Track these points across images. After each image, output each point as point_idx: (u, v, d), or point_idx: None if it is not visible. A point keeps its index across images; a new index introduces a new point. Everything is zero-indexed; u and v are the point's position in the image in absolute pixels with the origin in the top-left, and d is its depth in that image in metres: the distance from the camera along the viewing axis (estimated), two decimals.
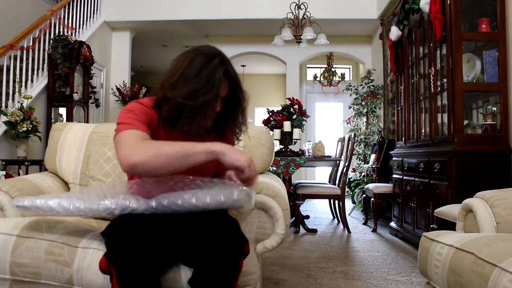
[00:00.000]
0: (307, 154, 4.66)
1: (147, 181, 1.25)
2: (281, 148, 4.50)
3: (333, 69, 7.49)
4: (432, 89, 3.17)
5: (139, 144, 1.15)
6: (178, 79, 1.25)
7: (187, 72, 1.25)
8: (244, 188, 1.17)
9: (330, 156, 4.85)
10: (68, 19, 5.46)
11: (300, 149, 4.89)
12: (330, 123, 8.28)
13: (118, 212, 1.21)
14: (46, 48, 4.88)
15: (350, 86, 6.66)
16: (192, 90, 1.23)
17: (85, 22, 5.86)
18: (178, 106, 1.24)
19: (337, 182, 4.62)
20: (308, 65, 8.24)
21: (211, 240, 1.14)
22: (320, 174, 8.01)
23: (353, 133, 4.59)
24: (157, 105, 1.29)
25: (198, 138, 1.27)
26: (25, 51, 4.66)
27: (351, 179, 5.82)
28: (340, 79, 7.51)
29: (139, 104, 1.28)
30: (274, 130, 4.53)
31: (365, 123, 6.47)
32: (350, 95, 6.67)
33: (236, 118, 1.40)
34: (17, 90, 4.32)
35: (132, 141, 1.16)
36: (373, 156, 5.36)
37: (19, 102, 4.20)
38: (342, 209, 4.27)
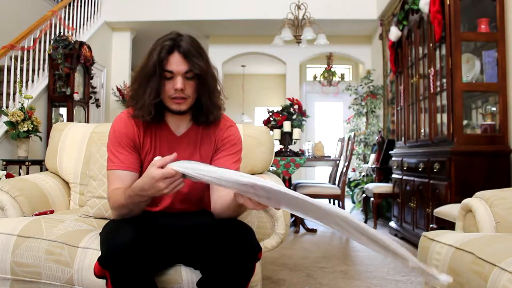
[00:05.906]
0: (307, 154, 4.66)
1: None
2: (281, 148, 4.50)
3: (333, 69, 7.48)
4: (431, 89, 3.18)
5: (112, 195, 1.28)
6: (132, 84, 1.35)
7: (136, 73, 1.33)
8: None
9: (329, 156, 4.85)
10: (68, 19, 5.45)
11: (300, 149, 4.89)
12: (330, 123, 8.28)
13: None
14: (47, 48, 4.88)
15: (350, 86, 6.66)
16: (134, 78, 1.33)
17: (85, 23, 5.85)
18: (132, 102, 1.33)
19: (337, 182, 4.62)
20: (308, 65, 8.24)
21: (226, 245, 1.13)
22: (320, 174, 8.01)
23: (353, 133, 4.59)
24: (134, 115, 1.33)
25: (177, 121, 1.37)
26: (25, 52, 4.66)
27: (351, 179, 5.82)
28: (340, 79, 7.51)
29: (114, 131, 1.35)
30: (274, 130, 4.53)
31: (365, 123, 6.47)
32: (350, 95, 6.67)
33: (206, 93, 1.31)
34: (17, 90, 4.31)
35: (110, 185, 1.31)
36: (372, 156, 5.36)
37: (19, 102, 4.19)
38: (342, 209, 4.27)
